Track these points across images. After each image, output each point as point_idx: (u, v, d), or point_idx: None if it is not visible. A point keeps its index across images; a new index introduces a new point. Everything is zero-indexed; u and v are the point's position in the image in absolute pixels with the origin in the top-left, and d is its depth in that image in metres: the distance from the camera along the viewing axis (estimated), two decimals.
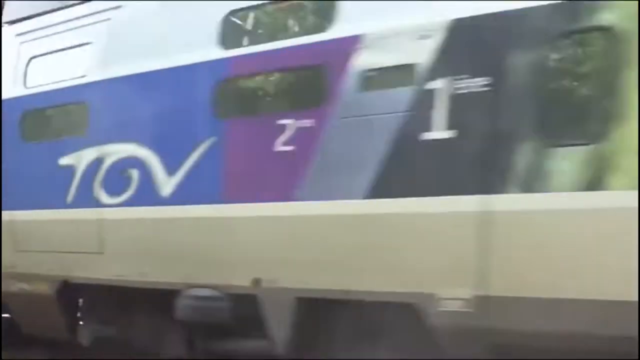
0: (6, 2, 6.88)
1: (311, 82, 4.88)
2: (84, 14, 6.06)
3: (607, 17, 3.80)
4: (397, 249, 4.41)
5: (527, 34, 4.03)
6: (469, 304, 4.20)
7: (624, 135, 3.72)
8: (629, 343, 3.68)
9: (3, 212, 6.36)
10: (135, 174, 5.55)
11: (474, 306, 4.19)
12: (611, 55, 3.80)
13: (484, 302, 4.17)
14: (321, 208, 4.66)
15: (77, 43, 6.06)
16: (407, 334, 4.51)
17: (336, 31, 4.66)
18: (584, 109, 3.95)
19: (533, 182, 3.99)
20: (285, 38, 4.96)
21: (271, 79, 5.08)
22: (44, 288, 6.20)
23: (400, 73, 4.39)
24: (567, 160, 3.88)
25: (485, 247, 4.14)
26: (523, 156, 4.01)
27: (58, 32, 6.21)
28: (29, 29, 6.50)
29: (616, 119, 3.75)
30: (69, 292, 6.14)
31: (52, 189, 6.08)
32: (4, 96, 6.41)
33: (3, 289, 6.52)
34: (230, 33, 5.20)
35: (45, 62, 6.29)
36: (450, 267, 4.25)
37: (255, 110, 5.22)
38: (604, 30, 3.82)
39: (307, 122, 4.69)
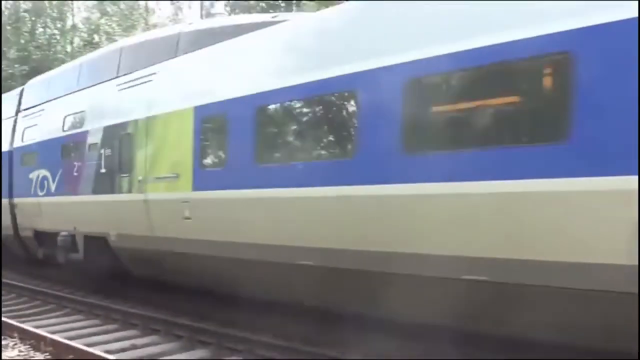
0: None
1: (80, 148, 11.79)
2: (35, 112, 13.67)
3: (129, 129, 10.27)
4: (103, 217, 11.19)
5: (117, 136, 10.60)
6: (117, 237, 10.87)
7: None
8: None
9: (15, 199, 14.20)
10: (45, 182, 12.94)
11: (117, 238, 10.85)
12: (129, 144, 10.25)
13: (120, 237, 10.80)
14: (81, 199, 11.62)
15: (35, 124, 13.66)
16: (108, 250, 11.27)
17: (85, 127, 11.60)
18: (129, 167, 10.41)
19: (121, 190, 10.57)
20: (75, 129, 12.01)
21: (72, 145, 12.13)
22: (30, 233, 13.91)
23: (95, 146, 11.17)
24: (125, 181, 10.41)
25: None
26: (123, 179, 10.58)
27: (30, 117, 13.89)
28: (25, 114, 14.26)
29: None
30: (38, 234, 13.73)
31: (28, 188, 13.72)
32: (15, 146, 14.27)
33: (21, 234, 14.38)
34: (65, 124, 12.36)
35: (30, 130, 13.99)
36: (116, 223, 10.93)
37: (70, 157, 12.25)
38: (128, 134, 10.31)
39: (79, 164, 11.68)
